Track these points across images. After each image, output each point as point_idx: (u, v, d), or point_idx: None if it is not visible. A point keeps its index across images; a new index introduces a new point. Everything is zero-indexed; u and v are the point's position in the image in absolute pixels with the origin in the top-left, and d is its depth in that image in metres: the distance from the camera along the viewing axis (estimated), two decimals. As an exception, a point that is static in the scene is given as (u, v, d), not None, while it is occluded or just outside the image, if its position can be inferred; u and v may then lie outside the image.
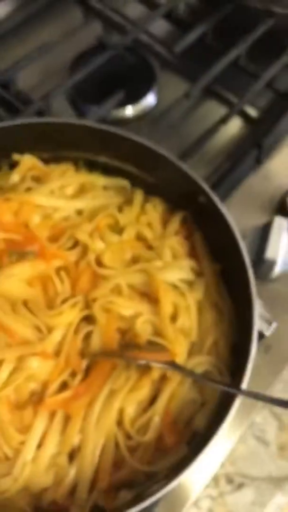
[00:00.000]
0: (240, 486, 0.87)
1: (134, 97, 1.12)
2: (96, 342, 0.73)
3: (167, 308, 0.74)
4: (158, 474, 0.69)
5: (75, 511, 0.66)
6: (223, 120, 1.06)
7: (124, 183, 0.88)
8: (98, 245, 0.79)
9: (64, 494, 0.67)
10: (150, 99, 1.14)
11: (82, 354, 0.72)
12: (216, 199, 0.75)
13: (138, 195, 0.86)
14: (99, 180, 0.87)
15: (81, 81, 1.09)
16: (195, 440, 0.71)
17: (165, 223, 0.83)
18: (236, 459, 0.89)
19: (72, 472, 0.67)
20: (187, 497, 0.80)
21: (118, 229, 0.82)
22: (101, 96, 1.09)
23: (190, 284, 0.79)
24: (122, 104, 1.10)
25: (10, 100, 1.07)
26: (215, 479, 0.87)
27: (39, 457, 0.67)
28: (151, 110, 1.14)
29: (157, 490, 0.60)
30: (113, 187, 0.88)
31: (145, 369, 0.71)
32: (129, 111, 1.12)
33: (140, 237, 0.83)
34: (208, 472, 0.82)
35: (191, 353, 0.75)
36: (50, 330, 0.73)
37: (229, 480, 0.87)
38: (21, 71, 1.10)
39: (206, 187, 0.76)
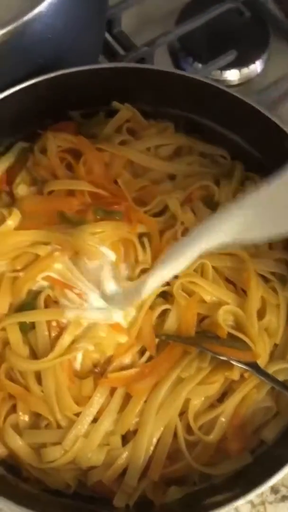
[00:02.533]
0: (284, 498, 0.81)
1: (241, 61, 1.01)
2: (171, 323, 0.66)
3: (255, 301, 0.67)
4: (213, 477, 0.64)
5: (120, 497, 0.62)
6: None
7: (224, 153, 0.79)
8: (188, 217, 0.72)
9: (112, 476, 0.62)
10: (257, 66, 1.03)
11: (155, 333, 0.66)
12: None
13: (239, 169, 0.77)
14: (198, 145, 0.79)
15: (189, 33, 0.99)
16: (260, 450, 0.65)
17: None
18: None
19: (124, 455, 0.62)
20: (227, 499, 0.74)
21: (212, 204, 0.74)
22: (206, 54, 0.99)
23: (283, 280, 0.70)
24: (227, 66, 1.00)
25: (110, 42, 0.98)
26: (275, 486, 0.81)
27: (92, 432, 0.62)
28: (255, 78, 1.04)
29: (219, 505, 0.54)
30: (211, 156, 0.80)
31: (219, 363, 0.65)
32: (233, 75, 1.01)
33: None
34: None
35: (273, 357, 0.67)
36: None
37: (274, 490, 0.82)
38: (125, 12, 1.00)
39: None
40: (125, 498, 0.62)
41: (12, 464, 0.65)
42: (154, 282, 0.62)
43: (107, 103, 0.77)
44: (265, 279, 0.70)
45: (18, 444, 0.63)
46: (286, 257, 0.71)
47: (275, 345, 0.68)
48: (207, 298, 0.68)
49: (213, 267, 0.70)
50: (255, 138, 0.76)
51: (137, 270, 0.68)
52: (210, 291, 0.67)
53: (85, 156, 0.71)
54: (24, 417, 0.64)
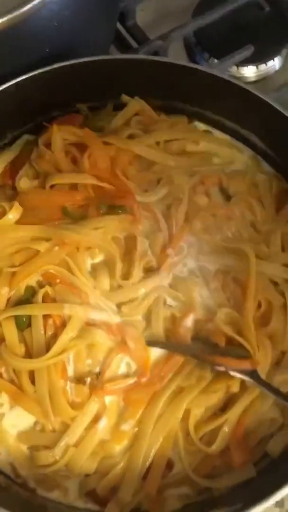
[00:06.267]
0: (290, 513, 0.77)
1: (259, 57, 0.97)
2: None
3: (251, 303, 0.63)
4: (214, 489, 0.60)
5: (112, 507, 0.59)
6: None
7: (240, 147, 0.75)
8: (201, 200, 0.69)
9: (106, 487, 0.59)
10: (276, 63, 0.99)
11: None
12: None
13: (254, 166, 0.74)
14: (212, 140, 0.75)
15: (205, 27, 0.96)
16: (264, 463, 0.61)
17: (279, 206, 0.71)
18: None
19: (120, 466, 0.59)
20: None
21: (224, 193, 0.71)
22: (223, 49, 0.95)
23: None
24: (244, 62, 0.96)
25: (123, 34, 0.96)
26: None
27: (85, 441, 0.59)
28: (274, 75, 1.00)
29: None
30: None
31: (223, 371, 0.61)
32: (250, 71, 0.98)
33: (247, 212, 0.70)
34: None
35: (280, 365, 0.64)
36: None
37: (279, 504, 0.77)
38: (139, 4, 0.97)
39: None
40: (118, 509, 0.59)
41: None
42: None
43: (116, 96, 0.75)
44: (275, 283, 0.67)
45: (10, 443, 0.61)
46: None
47: (283, 353, 0.64)
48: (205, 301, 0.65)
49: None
50: (271, 137, 0.73)
51: (137, 269, 0.65)
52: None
53: (90, 149, 0.68)
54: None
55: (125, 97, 0.74)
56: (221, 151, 0.74)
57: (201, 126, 0.77)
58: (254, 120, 0.73)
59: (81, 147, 0.70)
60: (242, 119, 0.74)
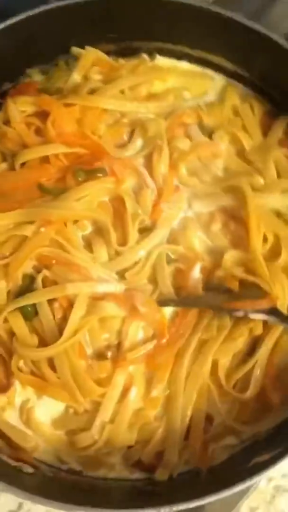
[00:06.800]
0: None
1: None
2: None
3: (256, 239, 0.60)
4: (257, 434, 0.59)
5: (162, 472, 0.58)
6: None
7: (211, 75, 0.69)
8: (182, 143, 0.64)
9: (150, 454, 0.58)
10: None
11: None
12: None
13: (230, 92, 0.68)
14: (179, 73, 0.69)
15: None
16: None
17: (265, 130, 0.66)
18: None
19: (159, 430, 0.58)
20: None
21: (204, 130, 0.66)
22: None
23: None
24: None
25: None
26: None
27: (119, 413, 0.58)
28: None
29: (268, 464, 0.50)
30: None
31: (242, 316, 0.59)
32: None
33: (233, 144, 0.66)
34: None
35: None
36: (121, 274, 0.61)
37: None
38: None
39: None
40: (167, 472, 0.58)
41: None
42: None
43: (65, 51, 0.68)
44: (278, 213, 0.63)
45: (47, 432, 0.60)
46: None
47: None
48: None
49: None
50: (242, 56, 0.67)
51: (131, 231, 0.61)
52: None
53: (52, 115, 0.63)
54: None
55: (75, 50, 0.68)
56: (192, 83, 0.69)
57: (165, 61, 0.71)
58: (221, 42, 0.67)
59: (43, 115, 0.65)
60: (207, 44, 0.68)
